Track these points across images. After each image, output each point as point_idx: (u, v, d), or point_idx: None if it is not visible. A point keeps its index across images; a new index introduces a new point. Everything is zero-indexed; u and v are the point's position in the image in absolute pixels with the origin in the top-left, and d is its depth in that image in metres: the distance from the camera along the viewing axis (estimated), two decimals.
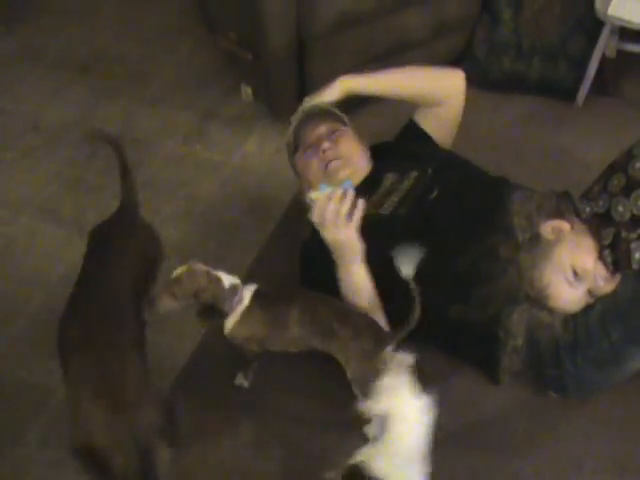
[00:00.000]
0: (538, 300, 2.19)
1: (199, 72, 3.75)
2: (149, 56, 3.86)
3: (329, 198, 2.19)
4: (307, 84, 3.22)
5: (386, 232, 2.36)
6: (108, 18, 4.15)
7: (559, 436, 2.28)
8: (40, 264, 2.82)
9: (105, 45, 3.95)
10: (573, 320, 2.20)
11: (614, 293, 2.17)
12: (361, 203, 2.22)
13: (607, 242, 2.16)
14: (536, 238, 2.20)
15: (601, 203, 2.22)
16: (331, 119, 2.65)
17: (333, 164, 2.49)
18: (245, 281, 2.31)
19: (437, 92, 2.71)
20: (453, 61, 3.39)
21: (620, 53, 3.34)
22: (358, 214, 2.21)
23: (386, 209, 2.44)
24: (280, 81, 3.23)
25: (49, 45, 3.97)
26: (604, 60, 3.29)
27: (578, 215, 2.29)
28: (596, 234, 2.21)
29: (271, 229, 2.90)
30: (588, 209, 2.27)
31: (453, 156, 2.66)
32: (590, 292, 2.19)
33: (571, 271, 2.15)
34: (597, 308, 2.18)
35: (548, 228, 2.22)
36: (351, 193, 2.21)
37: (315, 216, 2.23)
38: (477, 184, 2.49)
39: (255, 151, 3.25)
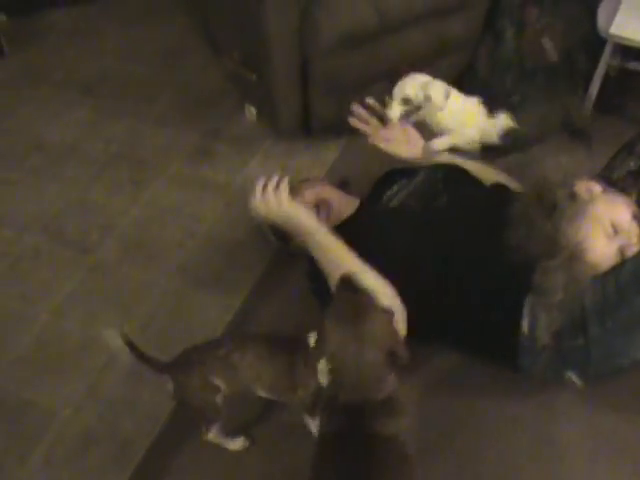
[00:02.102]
0: (573, 255, 2.20)
1: (203, 92, 3.76)
2: (153, 76, 3.88)
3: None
4: (311, 104, 3.24)
5: (398, 221, 2.44)
6: (112, 39, 4.18)
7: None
8: (45, 284, 2.82)
9: (109, 66, 3.97)
10: (602, 280, 2.18)
11: None
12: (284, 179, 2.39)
13: None
14: (572, 196, 2.28)
15: (632, 164, 2.36)
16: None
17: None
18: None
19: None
20: (456, 79, 3.40)
21: (623, 71, 3.35)
22: (283, 185, 2.37)
23: (395, 203, 2.53)
24: (284, 101, 3.24)
25: (53, 66, 3.99)
26: (607, 78, 3.30)
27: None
28: (629, 190, 2.33)
29: (275, 248, 2.89)
30: (615, 175, 2.36)
31: (461, 169, 2.74)
32: (621, 250, 2.21)
33: (609, 224, 2.21)
34: (628, 266, 2.17)
35: (582, 187, 2.30)
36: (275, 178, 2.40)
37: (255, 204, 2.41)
38: (486, 195, 2.59)
39: (259, 171, 3.26)
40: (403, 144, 2.80)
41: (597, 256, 2.21)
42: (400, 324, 2.16)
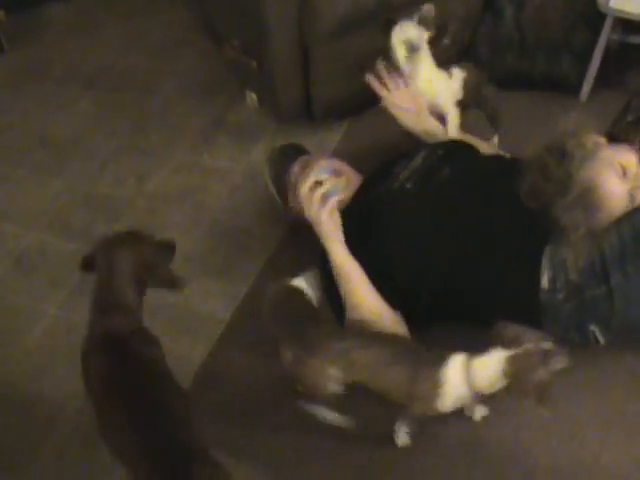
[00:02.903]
0: (587, 190, 2.23)
1: (204, 82, 3.76)
2: (154, 68, 3.87)
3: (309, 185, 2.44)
4: (312, 88, 3.23)
5: (396, 205, 2.46)
6: (112, 32, 4.17)
7: None
8: (52, 278, 2.83)
9: (110, 59, 3.97)
10: (617, 227, 2.23)
11: None
12: (334, 198, 2.42)
13: None
14: (581, 145, 2.29)
15: (629, 117, 2.49)
16: None
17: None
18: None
19: None
20: (456, 59, 3.39)
21: (623, 45, 3.33)
22: (331, 201, 2.40)
23: (396, 185, 2.52)
24: (285, 87, 3.24)
25: (55, 60, 3.99)
26: (608, 53, 3.28)
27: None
28: (634, 135, 2.49)
29: (280, 235, 2.90)
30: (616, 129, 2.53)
31: (465, 143, 2.75)
32: (632, 195, 2.27)
33: (619, 165, 2.27)
34: None
35: (589, 138, 2.33)
36: (328, 185, 2.44)
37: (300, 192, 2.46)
38: (491, 163, 2.63)
39: (262, 158, 3.25)
40: (411, 114, 2.82)
41: (610, 193, 2.25)
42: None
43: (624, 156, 2.31)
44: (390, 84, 2.80)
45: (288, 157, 2.78)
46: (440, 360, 1.99)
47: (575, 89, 3.39)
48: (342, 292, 2.38)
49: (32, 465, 2.28)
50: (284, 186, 2.74)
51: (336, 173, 2.62)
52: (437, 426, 2.23)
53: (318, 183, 2.42)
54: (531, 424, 2.26)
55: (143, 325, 2.09)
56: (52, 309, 2.72)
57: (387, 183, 2.54)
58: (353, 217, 2.47)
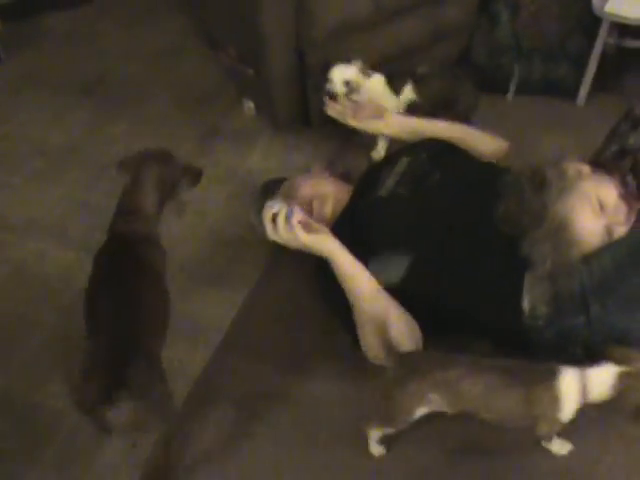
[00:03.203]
0: (560, 226, 2.19)
1: (201, 89, 3.77)
2: (151, 76, 3.88)
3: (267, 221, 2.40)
4: (309, 95, 3.24)
5: (387, 212, 2.45)
6: (108, 40, 4.18)
7: None
8: (50, 286, 2.82)
9: (107, 67, 3.98)
10: (597, 258, 2.19)
11: None
12: (295, 212, 2.36)
13: (627, 168, 2.23)
14: (562, 174, 2.27)
15: (613, 147, 2.33)
16: None
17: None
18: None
19: (479, 150, 2.80)
20: (453, 64, 3.41)
21: (620, 49, 3.34)
22: (294, 221, 2.33)
23: (383, 192, 2.51)
24: (282, 94, 3.25)
25: (51, 69, 4.00)
26: (604, 57, 3.29)
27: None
28: (616, 168, 2.33)
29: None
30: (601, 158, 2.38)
31: (447, 144, 2.74)
32: (609, 230, 2.21)
33: (596, 200, 2.21)
34: (623, 243, 2.20)
35: (572, 167, 2.30)
36: (283, 211, 2.36)
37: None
38: (478, 168, 2.60)
39: (260, 165, 3.26)
40: (379, 121, 2.88)
41: (583, 229, 2.20)
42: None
43: (604, 190, 2.25)
44: (348, 110, 2.87)
45: (270, 192, 2.78)
46: (551, 375, 1.95)
47: (572, 93, 3.41)
48: (350, 296, 2.34)
49: (31, 474, 2.26)
50: None
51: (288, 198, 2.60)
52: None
53: (274, 215, 2.40)
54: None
55: (157, 232, 2.42)
56: (51, 317, 2.71)
57: (375, 191, 2.55)
58: (344, 228, 2.48)
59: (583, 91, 3.39)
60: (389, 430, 2.14)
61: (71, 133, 3.58)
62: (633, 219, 2.24)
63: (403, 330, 2.27)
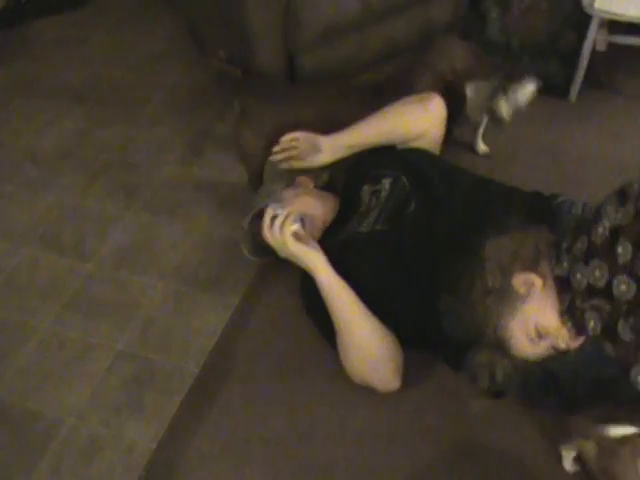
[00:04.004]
0: (499, 345, 2.07)
1: (191, 93, 3.77)
2: (141, 81, 3.88)
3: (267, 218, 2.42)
4: None
5: (365, 250, 2.41)
6: (99, 46, 4.18)
7: None
8: (43, 293, 2.82)
9: (97, 73, 3.98)
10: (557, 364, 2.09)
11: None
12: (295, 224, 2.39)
13: (564, 308, 2.05)
14: (506, 288, 2.07)
15: (565, 265, 2.00)
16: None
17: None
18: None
19: (414, 132, 2.71)
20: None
21: (611, 46, 3.34)
22: (286, 228, 2.36)
23: (365, 227, 2.48)
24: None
25: (42, 75, 4.00)
26: (595, 54, 3.29)
27: (557, 257, 2.08)
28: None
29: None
30: (565, 264, 2.14)
31: (427, 159, 2.66)
32: (553, 347, 2.05)
33: (534, 330, 2.03)
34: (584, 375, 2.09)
35: (520, 280, 2.07)
36: (282, 215, 2.39)
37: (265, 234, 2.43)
38: (455, 198, 2.46)
39: None
40: (320, 154, 2.73)
41: (522, 354, 2.06)
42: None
43: (545, 319, 2.03)
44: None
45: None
46: None
47: (563, 90, 3.41)
48: (334, 316, 2.32)
49: None
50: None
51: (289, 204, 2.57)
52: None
53: (274, 217, 2.40)
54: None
55: None
56: (45, 325, 2.71)
57: (356, 220, 2.54)
58: (329, 249, 2.44)
59: (574, 88, 3.39)
60: None
61: (63, 139, 3.58)
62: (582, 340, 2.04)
63: (386, 353, 2.29)
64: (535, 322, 2.02)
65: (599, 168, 3.05)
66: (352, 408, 2.32)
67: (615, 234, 1.83)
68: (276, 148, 2.75)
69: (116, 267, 2.89)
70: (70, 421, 2.39)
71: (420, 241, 2.35)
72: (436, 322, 2.18)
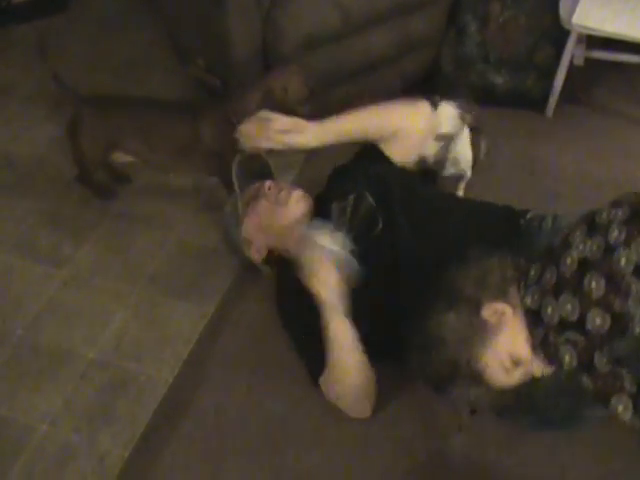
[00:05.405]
0: (476, 377, 2.05)
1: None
2: (120, 88, 3.85)
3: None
4: None
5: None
6: (78, 52, 4.15)
7: None
8: (18, 300, 2.80)
9: (76, 79, 3.93)
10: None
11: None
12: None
13: (537, 342, 2.03)
14: (476, 320, 2.05)
15: (535, 297, 1.99)
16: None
17: (283, 193, 2.64)
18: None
19: (402, 125, 2.70)
20: (422, 77, 3.42)
21: (588, 61, 3.37)
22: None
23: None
24: None
25: (20, 81, 3.96)
26: (572, 69, 3.32)
27: (525, 287, 2.07)
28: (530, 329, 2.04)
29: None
30: (536, 296, 2.10)
31: (394, 173, 2.65)
32: (527, 374, 2.04)
33: (508, 359, 2.02)
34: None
35: (490, 311, 2.05)
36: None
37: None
38: (420, 222, 2.45)
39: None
40: (300, 135, 2.64)
41: (497, 383, 2.05)
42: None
43: (517, 348, 2.01)
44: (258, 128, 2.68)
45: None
46: None
47: (540, 105, 3.43)
48: (330, 351, 2.28)
49: None
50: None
51: None
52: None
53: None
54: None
55: None
56: (19, 331, 2.69)
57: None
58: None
59: (552, 102, 3.41)
60: None
61: (40, 146, 3.56)
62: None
63: (368, 390, 2.30)
64: (509, 352, 2.02)
65: (574, 183, 3.07)
66: (327, 417, 2.32)
67: (584, 266, 1.84)
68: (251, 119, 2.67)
69: (91, 274, 2.88)
70: (43, 428, 2.37)
71: (386, 266, 2.35)
72: (406, 350, 2.15)
